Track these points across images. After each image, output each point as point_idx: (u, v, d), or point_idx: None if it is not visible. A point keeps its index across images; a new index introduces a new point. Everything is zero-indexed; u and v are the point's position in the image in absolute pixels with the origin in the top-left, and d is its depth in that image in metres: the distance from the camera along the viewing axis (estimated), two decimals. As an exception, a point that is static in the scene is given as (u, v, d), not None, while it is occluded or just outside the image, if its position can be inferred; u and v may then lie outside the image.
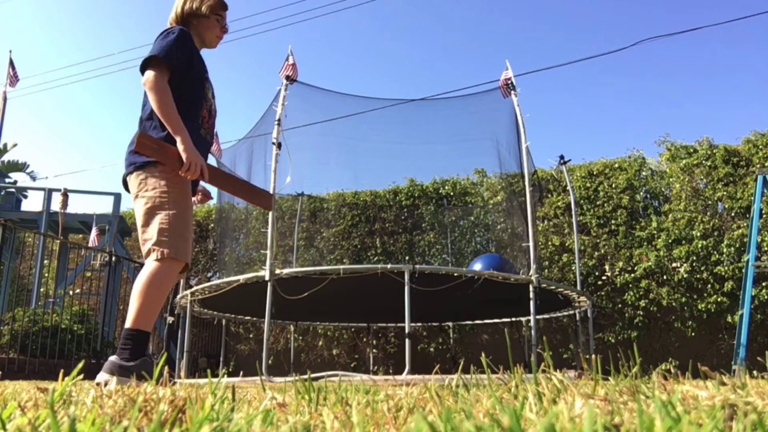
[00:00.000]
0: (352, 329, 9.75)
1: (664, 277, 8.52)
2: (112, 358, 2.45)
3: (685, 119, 20.67)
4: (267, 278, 5.44)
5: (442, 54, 25.67)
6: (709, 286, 8.22)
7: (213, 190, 8.77)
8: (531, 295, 5.66)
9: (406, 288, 5.29)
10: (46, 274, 10.23)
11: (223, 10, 2.95)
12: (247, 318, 8.78)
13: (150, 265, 2.56)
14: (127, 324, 2.48)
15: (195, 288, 6.66)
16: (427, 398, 0.93)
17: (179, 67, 2.69)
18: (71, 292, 9.62)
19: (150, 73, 2.59)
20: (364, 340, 9.69)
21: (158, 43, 2.68)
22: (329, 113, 7.44)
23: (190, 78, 2.76)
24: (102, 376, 2.38)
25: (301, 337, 9.90)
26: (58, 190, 9.98)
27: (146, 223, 2.60)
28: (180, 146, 2.56)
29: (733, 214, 8.51)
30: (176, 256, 2.57)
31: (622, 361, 1.32)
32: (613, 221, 9.05)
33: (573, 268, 8.60)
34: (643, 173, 9.47)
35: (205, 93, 2.83)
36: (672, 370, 1.26)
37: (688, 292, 8.35)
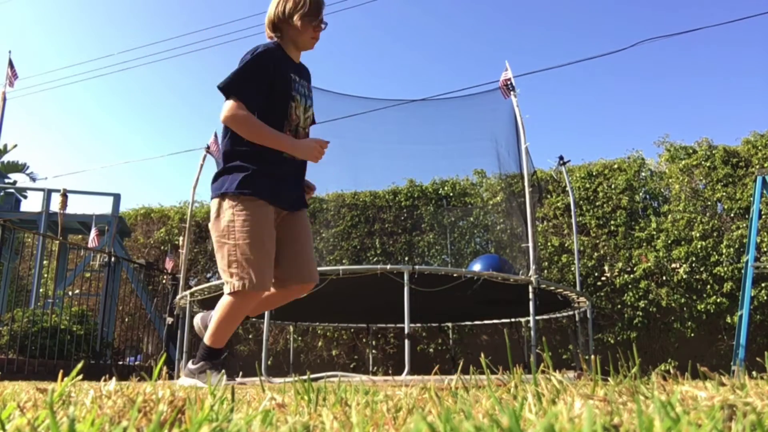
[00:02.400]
0: (352, 330, 9.75)
1: (664, 278, 8.52)
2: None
3: (685, 120, 20.69)
4: (266, 279, 5.43)
5: (441, 54, 25.69)
6: (709, 286, 8.23)
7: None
8: (530, 295, 5.66)
9: (406, 288, 5.29)
10: (46, 275, 10.23)
11: (318, 13, 2.74)
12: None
13: (225, 297, 2.62)
14: (204, 339, 2.72)
15: (194, 289, 6.66)
16: (426, 399, 0.93)
17: (254, 100, 2.59)
18: (70, 293, 9.62)
19: (227, 105, 2.55)
20: (364, 340, 9.69)
21: (236, 70, 2.59)
22: (328, 113, 7.43)
23: (271, 101, 2.64)
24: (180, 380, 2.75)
25: (300, 338, 9.90)
26: (58, 191, 9.98)
27: (217, 253, 2.65)
28: (297, 150, 2.65)
29: (732, 215, 8.52)
30: (248, 289, 2.52)
31: (621, 361, 1.32)
32: (612, 222, 9.06)
33: (572, 268, 8.61)
34: (643, 174, 9.48)
35: (288, 113, 2.69)
36: (671, 371, 1.26)
37: (688, 293, 8.35)
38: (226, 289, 2.58)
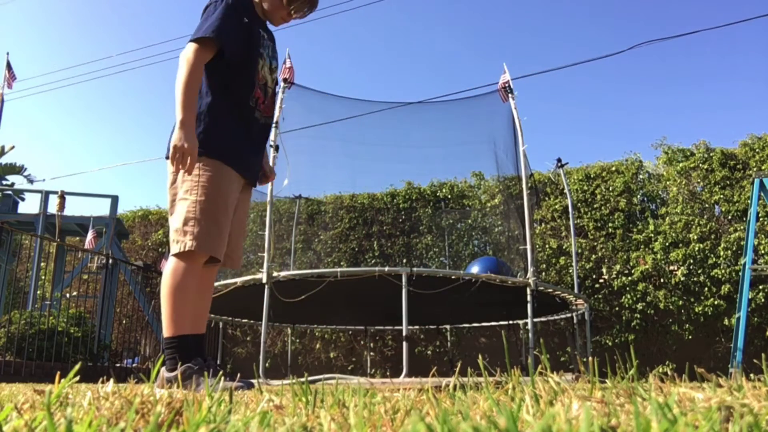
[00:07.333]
0: (350, 332, 9.74)
1: (662, 280, 8.53)
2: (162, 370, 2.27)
3: (682, 122, 20.73)
4: (264, 281, 5.44)
5: (440, 57, 25.73)
6: (706, 289, 8.24)
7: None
8: (528, 298, 5.66)
9: (404, 291, 5.29)
10: (43, 277, 10.20)
11: (306, 6, 2.55)
12: (244, 321, 8.76)
13: (170, 261, 2.30)
14: (164, 333, 2.30)
15: (192, 291, 6.63)
16: (424, 400, 0.93)
17: (233, 46, 2.37)
18: (68, 295, 9.60)
19: (190, 47, 2.29)
20: (362, 342, 9.68)
21: (206, 17, 2.36)
22: (327, 116, 7.44)
23: (242, 56, 2.44)
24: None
25: (298, 340, 9.89)
26: (55, 193, 9.96)
27: (172, 212, 2.36)
28: (177, 131, 2.26)
29: (729, 218, 8.53)
30: (200, 250, 2.26)
31: (619, 363, 1.32)
32: (610, 224, 9.07)
33: (570, 271, 8.61)
34: (640, 176, 9.49)
35: (257, 70, 2.49)
36: (669, 373, 1.26)
37: (686, 295, 8.36)
38: (174, 249, 2.28)
